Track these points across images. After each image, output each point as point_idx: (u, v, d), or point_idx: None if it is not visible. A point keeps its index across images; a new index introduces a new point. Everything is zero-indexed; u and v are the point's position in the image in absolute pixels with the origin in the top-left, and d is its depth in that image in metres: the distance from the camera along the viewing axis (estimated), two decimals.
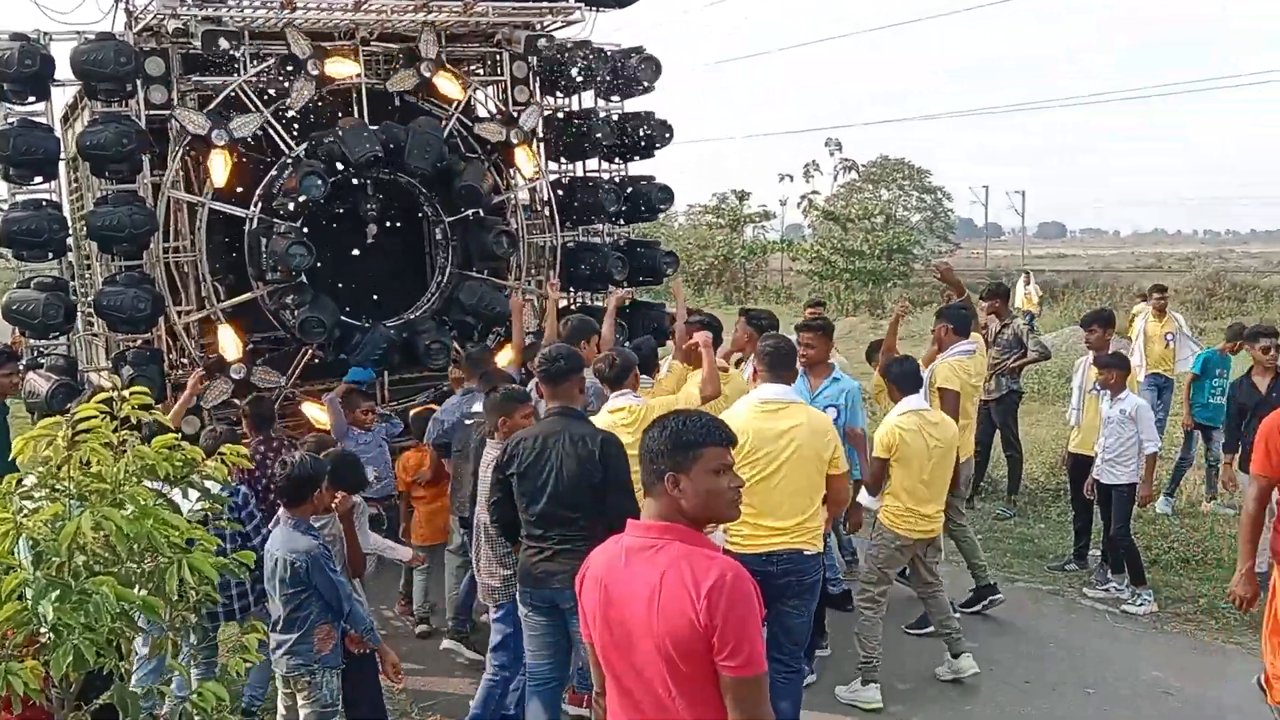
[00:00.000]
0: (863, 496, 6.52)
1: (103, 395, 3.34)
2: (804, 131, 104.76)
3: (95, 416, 3.19)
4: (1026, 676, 6.58)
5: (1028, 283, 24.30)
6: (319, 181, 8.01)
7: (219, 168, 7.95)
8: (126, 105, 7.85)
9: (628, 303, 10.39)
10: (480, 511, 5.54)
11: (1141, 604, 7.62)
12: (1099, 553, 8.36)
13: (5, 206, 8.31)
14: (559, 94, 10.04)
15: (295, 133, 8.42)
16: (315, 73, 8.19)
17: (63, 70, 7.82)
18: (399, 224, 9.34)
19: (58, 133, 8.01)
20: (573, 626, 4.93)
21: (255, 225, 8.25)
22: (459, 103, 9.04)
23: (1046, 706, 6.19)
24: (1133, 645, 7.07)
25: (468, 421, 6.58)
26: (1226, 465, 8.62)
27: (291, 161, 8.26)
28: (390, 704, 5.89)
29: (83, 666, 2.76)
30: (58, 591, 2.84)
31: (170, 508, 3.16)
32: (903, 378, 6.38)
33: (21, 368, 8.02)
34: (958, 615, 6.78)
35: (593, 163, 10.36)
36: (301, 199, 8.00)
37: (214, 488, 3.35)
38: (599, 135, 9.56)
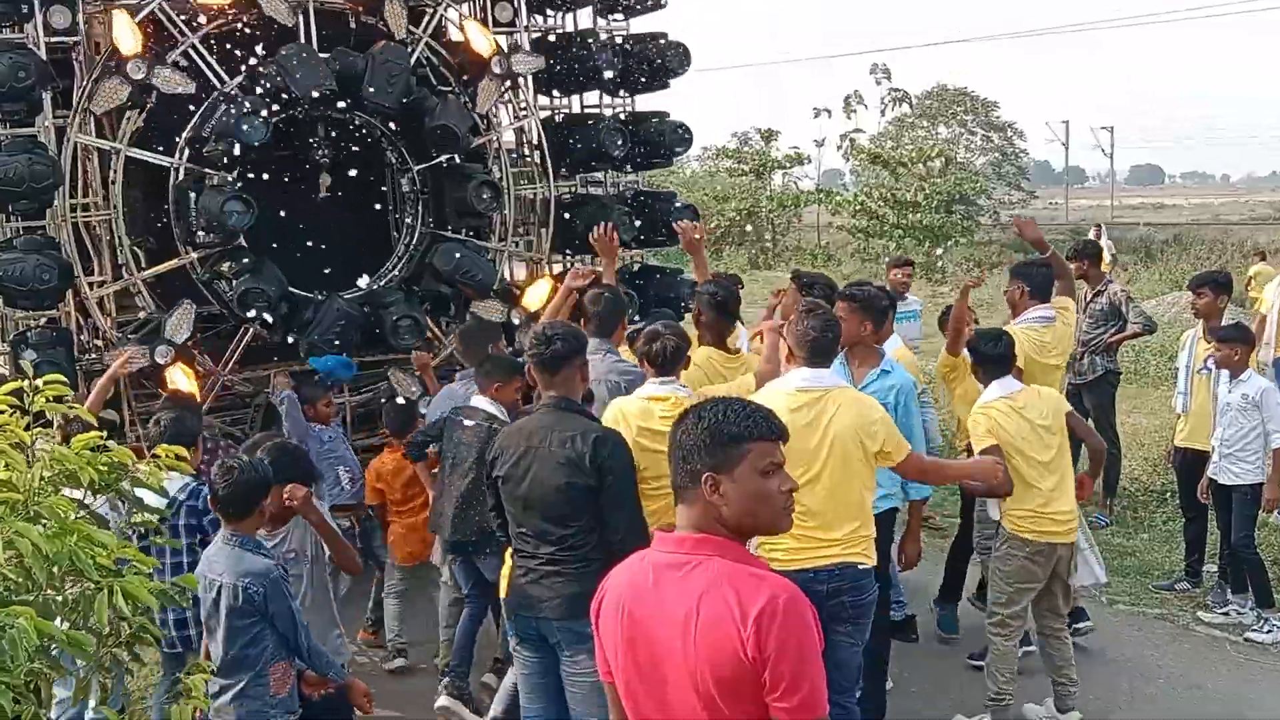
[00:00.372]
0: (990, 508, 6.62)
1: (10, 386, 3.34)
2: (844, 56, 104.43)
3: (3, 412, 3.19)
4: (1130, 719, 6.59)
5: (1098, 237, 24.29)
6: (259, 122, 7.98)
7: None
8: (21, 31, 7.80)
9: (637, 265, 10.39)
10: None
11: (1269, 631, 7.62)
12: (1216, 568, 8.35)
13: None
14: (549, 12, 10.00)
15: (229, 63, 8.37)
16: None
17: None
18: (358, 173, 9.31)
19: None
20: (561, 667, 4.94)
21: (182, 177, 8.22)
22: (427, 23, 9.00)
23: None
24: (1259, 681, 7.06)
25: (468, 423, 6.52)
26: None
27: (225, 98, 8.22)
28: None
29: None
30: None
31: (96, 522, 3.16)
32: (995, 360, 6.38)
33: None
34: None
35: (593, 96, 10.33)
36: (238, 144, 7.96)
37: (151, 498, 3.33)
38: (600, 62, 9.51)
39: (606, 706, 3.14)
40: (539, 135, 9.81)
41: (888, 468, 5.47)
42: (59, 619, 3.03)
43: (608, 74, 9.66)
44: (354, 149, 9.21)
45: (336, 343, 8.30)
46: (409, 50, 8.83)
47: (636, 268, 10.36)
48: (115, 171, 8.12)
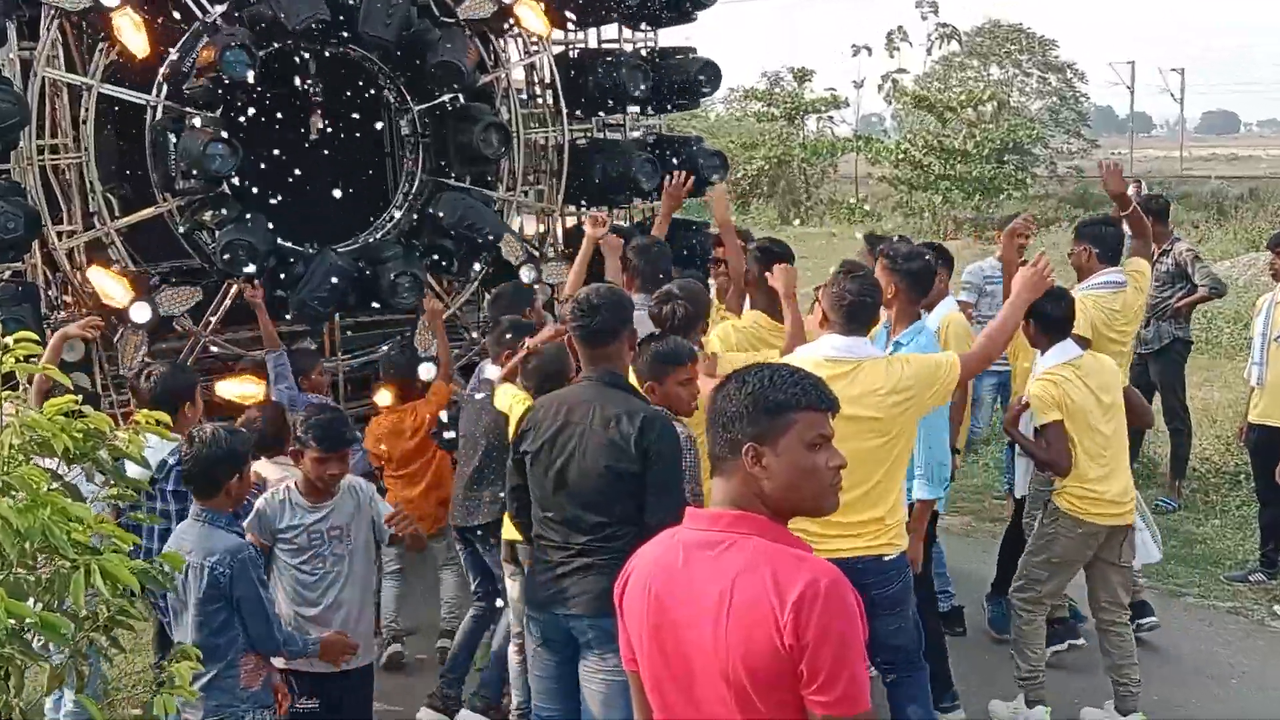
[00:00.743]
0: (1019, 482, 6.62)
1: None
2: None
3: None
4: None
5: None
6: (244, 57, 7.93)
7: (130, 32, 7.82)
8: None
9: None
10: None
11: None
12: None
13: None
14: None
15: None
16: None
17: None
18: (352, 115, 9.28)
19: None
20: (586, 668, 4.94)
21: (160, 116, 8.21)
22: None
23: None
24: None
25: (479, 396, 6.52)
26: None
27: (206, 29, 8.19)
28: None
29: None
30: None
31: (71, 495, 3.17)
32: (1057, 322, 6.36)
33: None
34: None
35: (611, 30, 10.28)
36: (222, 81, 7.93)
37: (132, 470, 3.34)
38: None
39: (631, 706, 3.16)
40: (551, 73, 9.76)
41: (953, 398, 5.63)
42: (32, 600, 3.04)
43: (628, 3, 9.60)
44: (348, 87, 9.17)
45: (328, 301, 8.31)
46: None
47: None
48: (87, 110, 8.07)
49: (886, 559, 5.34)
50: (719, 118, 45.91)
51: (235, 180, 8.15)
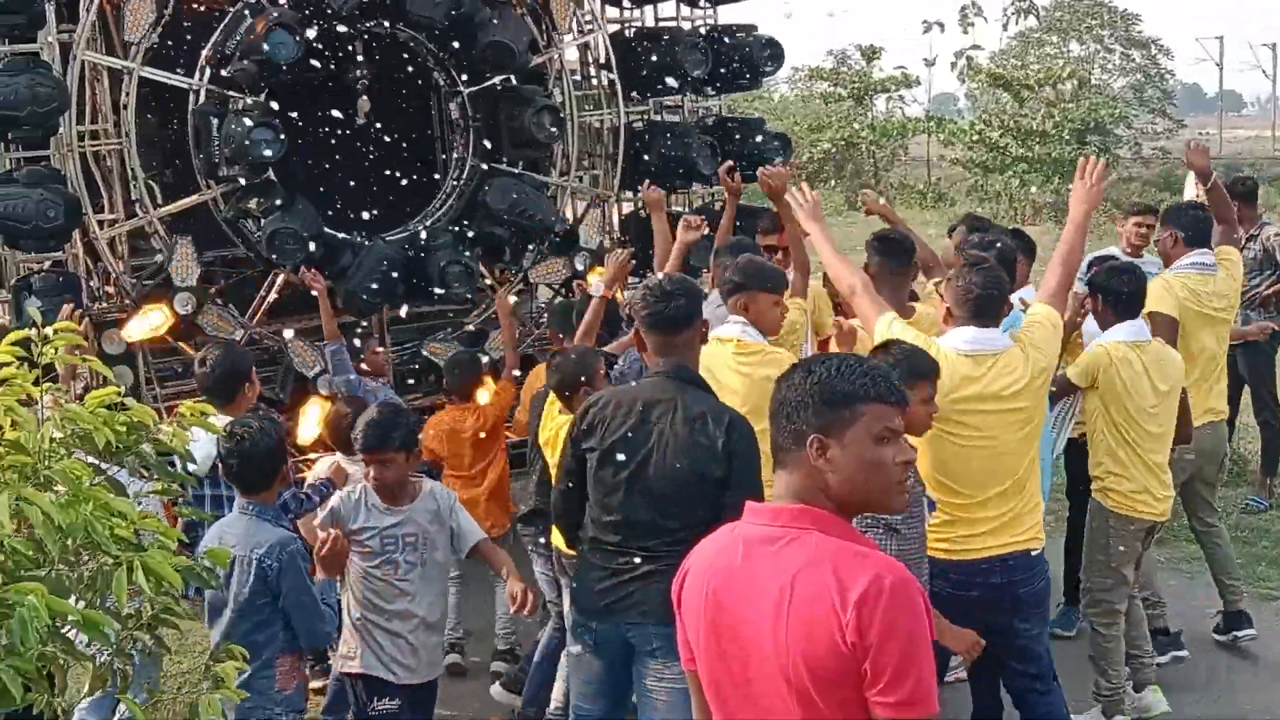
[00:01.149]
0: None
1: (15, 335, 3.39)
2: None
3: (9, 364, 3.24)
4: None
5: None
6: (289, 38, 8.01)
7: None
8: None
9: (719, 205, 10.34)
10: None
11: None
12: None
13: None
14: None
15: None
16: None
17: None
18: (401, 98, 9.33)
19: None
20: (649, 677, 4.92)
21: (203, 100, 8.29)
22: None
23: None
24: None
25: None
26: None
27: (250, 9, 8.26)
28: None
29: (7, 704, 2.82)
30: None
31: (114, 489, 3.21)
32: (1125, 297, 6.33)
33: None
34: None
35: (669, 7, 10.29)
36: (266, 64, 8.00)
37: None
38: None
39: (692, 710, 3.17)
40: (607, 53, 9.78)
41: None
42: (74, 597, 3.09)
43: None
44: (396, 70, 9.24)
45: (377, 291, 8.36)
46: None
47: (718, 206, 10.32)
48: (128, 95, 8.17)
49: (1034, 553, 5.35)
50: (782, 99, 45.77)
51: (280, 166, 8.23)
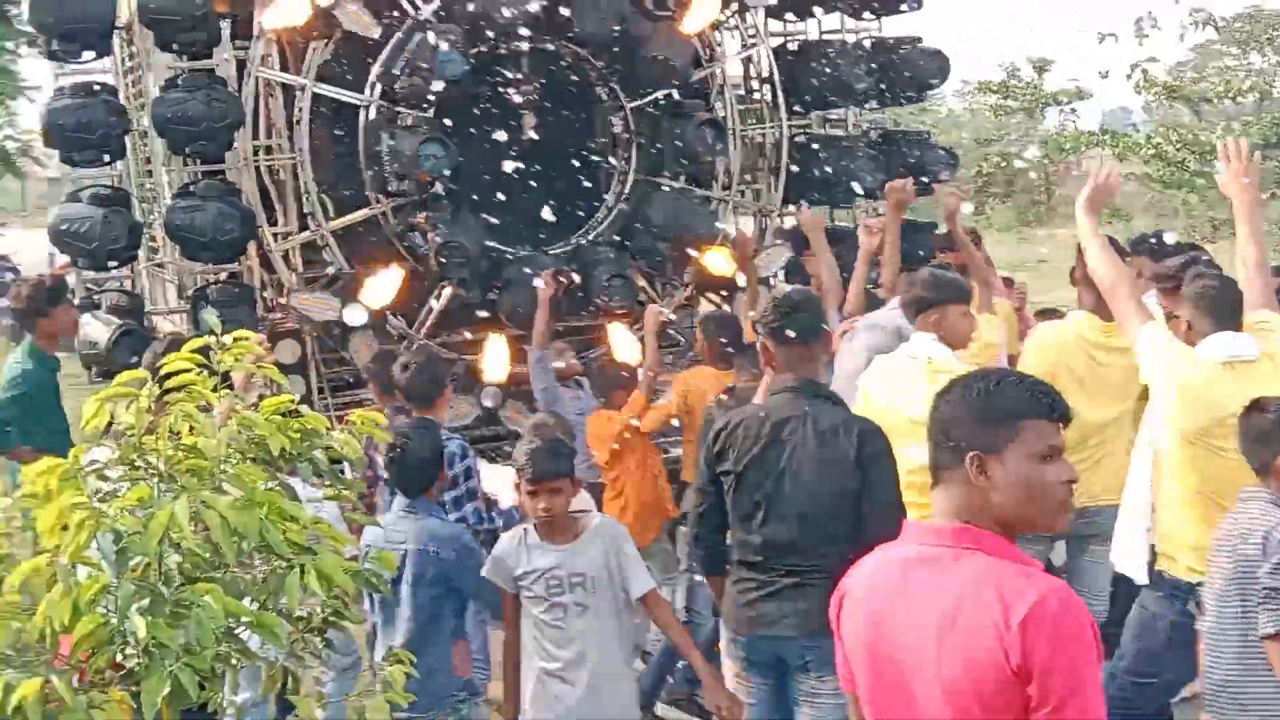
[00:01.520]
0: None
1: (196, 343, 3.52)
2: None
3: (188, 370, 3.36)
4: None
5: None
6: (457, 55, 8.16)
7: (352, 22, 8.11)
8: None
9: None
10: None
11: None
12: None
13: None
14: None
15: None
16: None
17: None
18: (563, 112, 9.45)
19: None
20: (803, 690, 4.92)
21: (374, 116, 8.48)
22: None
23: None
24: None
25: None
26: None
27: (419, 27, 8.43)
28: None
29: (183, 701, 2.93)
30: (148, 600, 3.03)
31: (287, 494, 3.32)
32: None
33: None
34: None
35: (832, 20, 10.24)
36: (436, 80, 8.17)
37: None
38: None
39: None
40: (770, 66, 9.78)
41: None
42: (247, 599, 3.19)
43: None
44: (559, 84, 9.33)
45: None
46: None
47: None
48: (301, 110, 8.41)
49: None
50: (950, 112, 45.16)
51: (447, 180, 8.38)
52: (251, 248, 8.29)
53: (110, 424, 3.34)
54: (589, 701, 5.01)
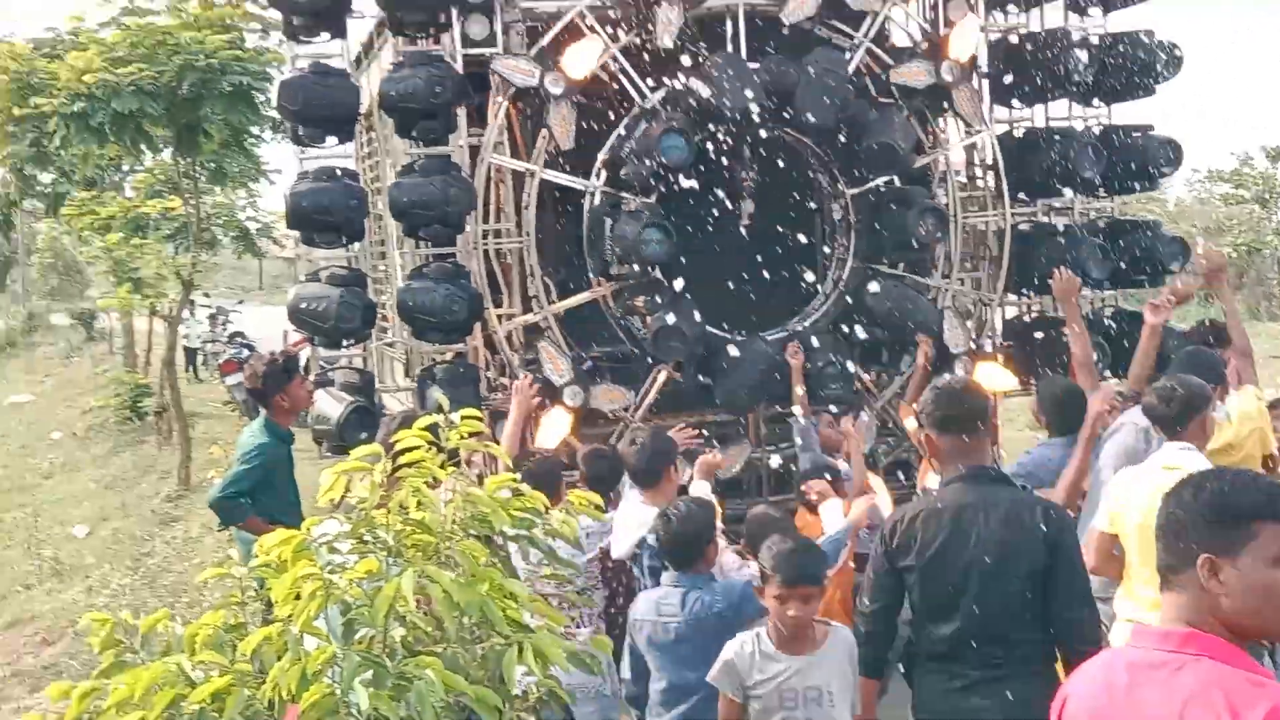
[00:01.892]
0: None
1: (425, 420, 3.63)
2: None
3: (419, 447, 3.47)
4: None
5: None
6: (682, 142, 8.27)
7: (561, 123, 8.34)
8: (438, 42, 8.44)
9: (1109, 310, 10.02)
10: None
11: None
12: None
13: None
14: (1011, 8, 9.87)
15: (645, 76, 8.69)
16: None
17: None
18: (783, 198, 9.50)
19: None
20: None
21: (598, 202, 8.65)
22: (868, 25, 9.07)
23: None
24: None
25: None
26: None
27: (645, 114, 8.58)
28: None
29: None
30: (371, 672, 3.11)
31: (506, 570, 3.38)
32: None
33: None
34: None
35: (1059, 107, 10.10)
36: (659, 167, 8.29)
37: (561, 549, 3.53)
38: (1073, 65, 9.25)
39: None
40: (994, 153, 9.68)
41: None
42: (467, 675, 3.25)
43: (1079, 79, 9.39)
44: (780, 170, 9.38)
45: (756, 390, 8.48)
46: (847, 57, 8.93)
47: (1109, 313, 10.00)
48: (529, 195, 8.61)
49: None
50: (1179, 201, 44.06)
51: (666, 265, 8.49)
52: (476, 328, 8.47)
53: (344, 497, 3.46)
54: None
